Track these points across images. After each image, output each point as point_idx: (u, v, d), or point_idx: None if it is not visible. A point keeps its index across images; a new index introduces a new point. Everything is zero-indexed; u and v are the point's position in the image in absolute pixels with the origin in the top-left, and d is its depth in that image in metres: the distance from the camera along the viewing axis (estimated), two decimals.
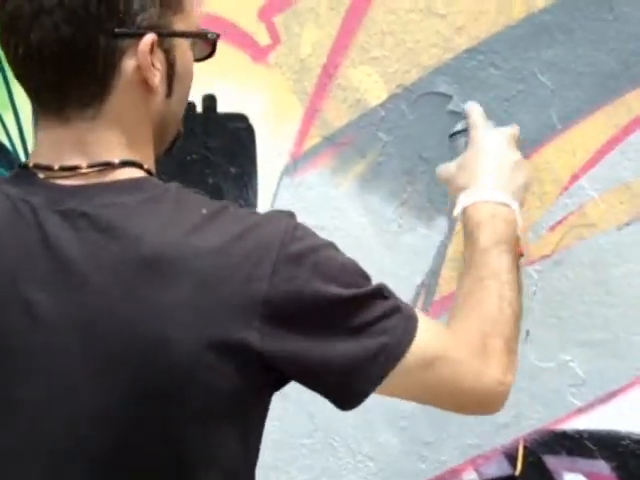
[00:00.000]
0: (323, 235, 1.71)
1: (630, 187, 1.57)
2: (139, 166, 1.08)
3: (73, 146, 1.07)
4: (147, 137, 1.10)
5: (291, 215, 1.09)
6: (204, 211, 1.06)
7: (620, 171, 1.57)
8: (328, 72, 1.67)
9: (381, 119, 1.66)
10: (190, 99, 1.79)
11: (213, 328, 1.02)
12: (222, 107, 1.74)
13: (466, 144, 1.40)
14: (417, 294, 1.68)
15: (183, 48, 1.11)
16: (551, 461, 1.64)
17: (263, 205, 1.73)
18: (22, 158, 1.83)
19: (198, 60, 1.16)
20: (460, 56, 1.61)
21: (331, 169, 1.70)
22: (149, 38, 1.05)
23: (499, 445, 1.66)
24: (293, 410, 1.74)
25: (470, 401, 1.18)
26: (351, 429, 1.73)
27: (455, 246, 1.65)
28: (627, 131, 1.56)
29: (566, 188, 1.59)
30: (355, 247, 1.70)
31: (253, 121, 1.73)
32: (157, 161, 1.14)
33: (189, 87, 1.15)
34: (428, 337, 1.12)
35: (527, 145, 1.55)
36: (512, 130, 1.44)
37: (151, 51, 1.06)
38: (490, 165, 1.34)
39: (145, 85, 1.07)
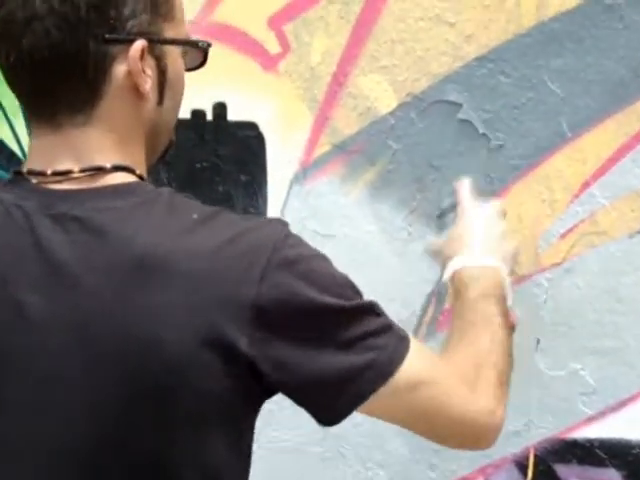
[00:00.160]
0: (333, 243, 1.71)
1: None
2: (131, 171, 1.09)
3: (65, 151, 1.07)
4: (139, 143, 1.11)
5: (284, 224, 1.09)
6: (195, 215, 1.06)
7: (631, 179, 1.57)
8: (338, 80, 1.68)
9: (391, 127, 1.66)
10: (200, 107, 1.81)
11: (203, 330, 1.02)
12: (232, 115, 1.74)
13: (454, 220, 1.41)
14: (427, 302, 1.68)
15: (174, 56, 1.12)
16: (562, 470, 1.64)
17: (273, 213, 1.73)
18: None
19: (190, 69, 1.17)
20: (470, 64, 1.61)
21: (341, 177, 1.71)
22: (139, 44, 1.06)
23: (509, 454, 1.66)
24: (303, 418, 1.74)
25: (460, 431, 1.14)
26: (361, 437, 1.73)
27: None
28: (638, 138, 1.56)
29: (577, 196, 1.59)
30: (365, 255, 1.70)
31: (263, 129, 1.73)
32: (149, 170, 1.14)
33: (181, 95, 1.15)
34: (419, 360, 1.10)
35: (537, 153, 1.55)
36: (498, 204, 1.43)
37: (141, 57, 1.06)
38: (478, 235, 1.34)
39: (136, 91, 1.08)
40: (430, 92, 1.63)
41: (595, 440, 1.61)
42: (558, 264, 1.61)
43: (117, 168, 1.08)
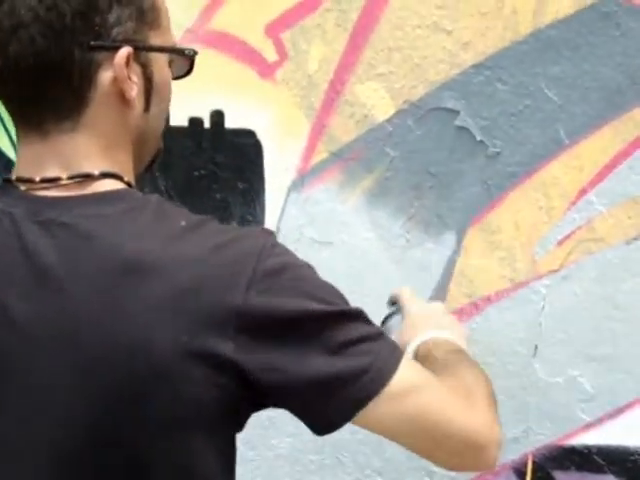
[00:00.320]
0: (330, 250, 1.71)
1: (638, 202, 1.57)
2: (119, 178, 1.09)
3: (53, 159, 1.08)
4: (126, 150, 1.11)
5: (270, 233, 1.09)
6: (183, 223, 1.06)
7: (628, 186, 1.57)
8: (335, 88, 1.68)
9: (388, 134, 1.67)
10: (198, 115, 1.81)
11: (187, 337, 1.02)
12: (230, 123, 1.75)
13: (400, 321, 1.40)
14: None
15: (160, 63, 1.12)
16: (560, 476, 1.64)
17: (270, 220, 1.73)
18: None
19: (177, 78, 1.17)
20: (467, 72, 1.61)
21: (338, 184, 1.71)
22: (125, 51, 1.06)
23: (508, 460, 1.66)
24: (302, 426, 1.74)
25: (460, 445, 1.10)
26: (359, 444, 1.73)
27: (463, 260, 1.66)
28: (635, 145, 1.57)
29: (574, 203, 1.59)
30: (362, 262, 1.70)
31: (261, 137, 1.73)
32: (137, 178, 1.14)
33: (168, 103, 1.15)
34: (413, 368, 1.09)
35: (534, 160, 1.55)
36: (440, 304, 1.41)
37: (127, 64, 1.07)
38: (430, 320, 1.33)
39: (122, 98, 1.08)
40: (427, 99, 1.64)
41: (593, 447, 1.61)
42: (555, 271, 1.61)
43: (105, 175, 1.08)
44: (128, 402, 1.03)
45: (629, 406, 1.60)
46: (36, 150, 1.08)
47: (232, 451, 1.09)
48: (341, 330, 1.06)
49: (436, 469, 1.70)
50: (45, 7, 1.04)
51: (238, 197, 1.75)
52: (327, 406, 1.06)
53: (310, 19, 1.68)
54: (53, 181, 1.07)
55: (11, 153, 1.87)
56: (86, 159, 1.07)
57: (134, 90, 1.08)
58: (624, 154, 1.57)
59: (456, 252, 1.66)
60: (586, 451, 1.62)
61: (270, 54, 1.70)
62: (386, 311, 1.34)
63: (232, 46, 1.71)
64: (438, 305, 1.37)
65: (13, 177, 1.09)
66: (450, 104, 1.63)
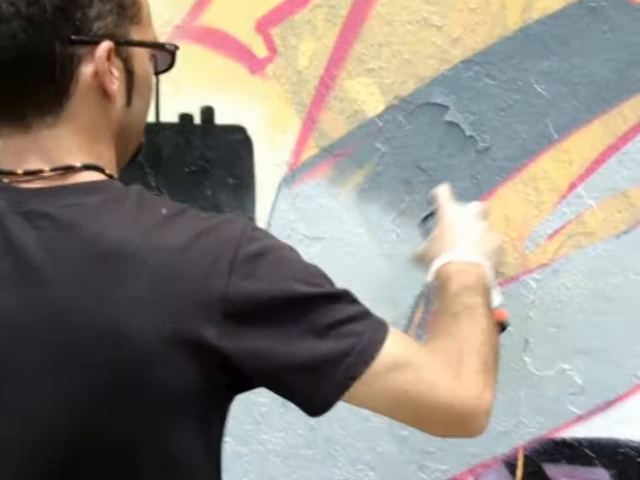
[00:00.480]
0: (321, 246, 1.71)
1: (628, 195, 1.57)
2: (101, 170, 1.10)
3: (35, 152, 1.09)
4: (108, 144, 1.12)
5: (250, 218, 1.10)
6: (164, 211, 1.07)
7: (617, 180, 1.58)
8: (325, 83, 1.68)
9: (378, 130, 1.67)
10: (188, 111, 1.81)
11: (170, 323, 1.03)
12: (220, 119, 1.75)
13: (435, 225, 1.42)
14: (416, 304, 1.69)
15: (141, 58, 1.13)
16: (551, 469, 1.64)
17: (261, 216, 1.73)
18: None
19: (158, 73, 1.17)
20: (456, 67, 1.61)
21: (329, 180, 1.71)
22: (106, 45, 1.08)
23: (499, 454, 1.66)
24: (293, 421, 1.74)
25: (445, 417, 1.13)
26: (351, 439, 1.73)
27: None
28: (624, 140, 1.57)
29: (564, 197, 1.60)
30: (353, 257, 1.71)
31: (251, 133, 1.73)
32: (119, 173, 1.15)
33: (149, 98, 1.16)
34: (399, 345, 1.11)
35: (524, 155, 1.56)
36: (479, 204, 1.44)
37: (108, 58, 1.08)
38: (459, 235, 1.35)
39: (103, 92, 1.09)
40: (417, 95, 1.64)
41: (584, 440, 1.62)
42: (546, 265, 1.62)
43: (87, 167, 1.09)
44: (112, 388, 1.04)
45: (619, 399, 1.60)
46: (18, 143, 1.09)
47: (218, 436, 1.10)
48: (326, 312, 1.07)
49: (429, 463, 1.70)
50: (26, 2, 1.05)
51: (229, 193, 1.75)
52: (313, 388, 1.07)
53: (300, 15, 1.68)
54: (35, 173, 1.08)
55: None
56: (68, 152, 1.08)
57: (115, 84, 1.09)
58: (613, 148, 1.57)
59: None
60: (577, 444, 1.63)
61: (260, 50, 1.70)
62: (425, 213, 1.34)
63: (222, 42, 1.71)
64: (472, 211, 1.39)
65: None
66: (440, 99, 1.63)
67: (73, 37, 1.06)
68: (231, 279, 1.04)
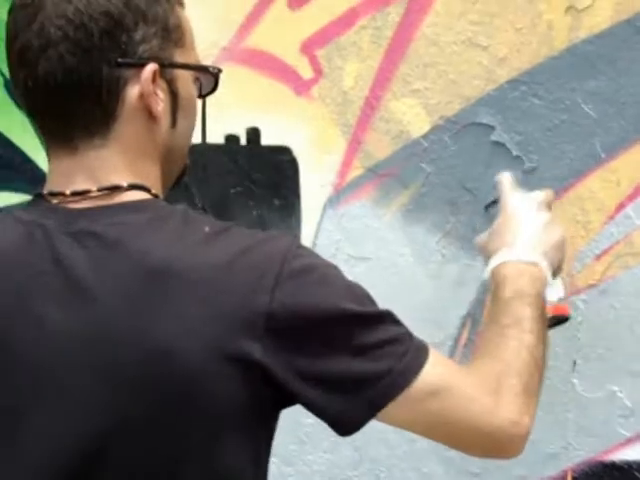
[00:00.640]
0: (366, 266, 1.71)
1: None
2: (147, 190, 1.11)
3: (83, 173, 1.11)
4: (154, 164, 1.14)
5: (295, 236, 1.11)
6: (207, 228, 1.09)
7: None
8: (370, 104, 1.69)
9: (424, 150, 1.67)
10: (234, 132, 1.83)
11: (218, 339, 1.04)
12: (266, 139, 1.76)
13: (498, 212, 1.41)
14: (462, 325, 1.68)
15: (185, 80, 1.15)
16: None
17: (307, 236, 1.74)
18: None
19: (202, 96, 1.19)
20: (502, 87, 1.61)
21: (374, 200, 1.71)
22: (151, 67, 1.09)
23: (547, 476, 1.65)
24: (339, 441, 1.74)
25: (482, 441, 1.13)
26: (396, 460, 1.73)
27: None
28: None
29: (612, 217, 1.59)
30: (399, 278, 1.70)
31: (296, 153, 1.74)
32: (165, 195, 1.16)
33: (194, 120, 1.18)
34: (438, 369, 1.10)
35: (571, 175, 1.55)
36: (542, 194, 1.42)
37: (153, 80, 1.10)
38: (520, 228, 1.34)
39: (149, 113, 1.11)
40: (463, 115, 1.64)
41: (634, 462, 1.60)
42: (593, 285, 1.61)
43: (133, 187, 1.11)
44: (159, 405, 1.04)
45: None
46: (66, 165, 1.11)
47: (265, 453, 1.11)
48: (368, 332, 1.07)
49: None
50: (74, 26, 1.07)
51: (274, 213, 1.76)
52: (347, 407, 1.07)
53: (345, 36, 1.69)
54: (83, 194, 1.10)
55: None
56: (114, 172, 1.10)
57: (160, 105, 1.10)
58: None
59: None
60: (626, 467, 1.61)
61: (305, 71, 1.72)
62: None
63: (267, 63, 1.73)
64: (535, 198, 1.37)
65: (45, 192, 1.12)
66: (486, 119, 1.63)
67: (119, 60, 1.08)
68: (275, 295, 1.05)
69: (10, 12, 1.11)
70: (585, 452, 1.62)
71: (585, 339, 1.60)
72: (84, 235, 1.08)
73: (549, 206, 1.42)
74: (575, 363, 1.60)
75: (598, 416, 1.61)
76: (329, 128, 1.71)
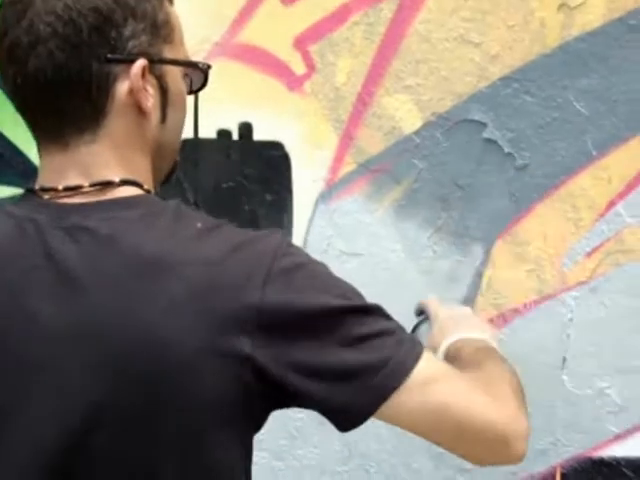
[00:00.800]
0: (358, 262, 1.72)
1: None
2: (139, 185, 1.12)
3: (75, 168, 1.11)
4: (145, 160, 1.14)
5: (284, 234, 1.11)
6: (199, 225, 1.09)
7: None
8: (363, 100, 1.69)
9: (416, 146, 1.67)
10: (226, 127, 1.83)
11: (207, 334, 1.04)
12: (258, 135, 1.76)
13: (428, 328, 1.41)
14: None
15: (174, 76, 1.15)
16: None
17: (298, 231, 1.74)
18: None
19: (192, 92, 1.19)
20: (494, 84, 1.61)
21: (366, 196, 1.72)
22: (140, 63, 1.10)
23: (536, 472, 1.65)
24: (329, 436, 1.74)
25: (485, 438, 1.10)
26: (387, 455, 1.73)
27: (491, 272, 1.66)
28: None
29: (602, 215, 1.59)
30: (390, 273, 1.71)
31: (288, 149, 1.74)
32: (155, 190, 1.17)
33: (184, 116, 1.18)
34: (434, 361, 1.11)
35: (562, 172, 1.55)
36: (467, 308, 1.42)
37: (143, 75, 1.10)
38: (457, 322, 1.33)
39: (139, 109, 1.11)
40: (455, 112, 1.64)
41: (622, 459, 1.61)
42: (584, 283, 1.61)
43: (125, 182, 1.11)
44: (150, 397, 1.05)
45: None
46: (58, 161, 1.11)
47: (248, 450, 1.11)
48: (359, 324, 1.07)
49: (464, 479, 1.70)
50: (63, 22, 1.07)
51: (266, 209, 1.76)
52: (348, 401, 1.07)
53: (338, 32, 1.69)
54: (75, 189, 1.10)
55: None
56: (106, 168, 1.10)
57: (150, 101, 1.11)
58: None
59: (483, 264, 1.66)
60: (615, 463, 1.61)
61: (298, 67, 1.72)
62: (414, 321, 1.35)
63: (260, 59, 1.73)
64: (466, 309, 1.38)
65: (37, 187, 1.12)
66: (478, 116, 1.63)
67: (109, 56, 1.08)
68: (265, 291, 1.05)
69: None
70: (574, 448, 1.63)
71: (575, 336, 1.61)
72: (76, 230, 1.08)
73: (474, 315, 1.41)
74: (565, 360, 1.61)
75: (587, 413, 1.62)
76: (321, 124, 1.71)
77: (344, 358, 1.06)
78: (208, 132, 1.76)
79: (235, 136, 1.76)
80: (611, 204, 1.59)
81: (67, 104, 1.09)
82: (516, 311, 1.65)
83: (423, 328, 1.37)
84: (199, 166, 1.77)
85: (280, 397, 1.09)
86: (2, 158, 1.82)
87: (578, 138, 1.58)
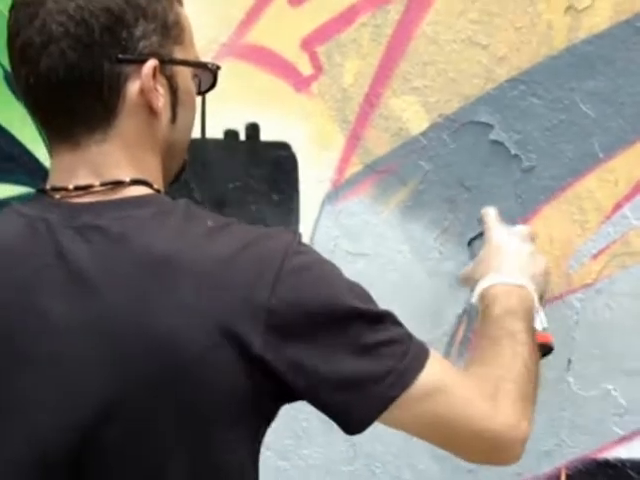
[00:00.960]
0: (364, 262, 1.72)
1: None
2: (149, 185, 1.12)
3: (85, 168, 1.12)
4: (156, 160, 1.15)
5: (296, 232, 1.12)
6: (210, 223, 1.10)
7: None
8: (370, 101, 1.69)
9: (422, 148, 1.67)
10: (233, 127, 1.83)
11: (220, 331, 1.05)
12: (265, 135, 1.76)
13: (482, 246, 1.43)
14: (459, 322, 1.69)
15: (184, 77, 1.16)
16: None
17: (305, 232, 1.74)
18: None
19: (201, 92, 1.20)
20: (501, 86, 1.62)
21: (372, 197, 1.72)
22: (151, 63, 1.11)
23: (541, 474, 1.66)
24: (335, 436, 1.74)
25: (482, 445, 1.14)
26: (392, 456, 1.73)
27: None
28: None
29: (609, 217, 1.59)
30: (397, 275, 1.71)
31: (295, 149, 1.75)
32: (165, 190, 1.17)
33: (193, 115, 1.19)
34: (437, 370, 1.12)
35: (569, 174, 1.56)
36: (525, 227, 1.45)
37: (153, 75, 1.11)
38: (506, 256, 1.36)
39: (149, 109, 1.12)
40: (462, 113, 1.64)
41: (627, 460, 1.61)
42: (590, 285, 1.61)
43: (135, 182, 1.12)
44: (160, 395, 1.05)
45: None
46: (68, 160, 1.12)
47: (256, 447, 1.11)
48: (369, 330, 1.08)
49: None
50: (75, 23, 1.08)
51: (273, 209, 1.76)
52: (351, 406, 1.08)
53: (346, 34, 1.69)
54: (86, 188, 1.11)
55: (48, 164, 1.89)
56: (117, 167, 1.11)
57: (160, 101, 1.12)
58: None
59: None
60: (620, 465, 1.61)
61: (305, 68, 1.72)
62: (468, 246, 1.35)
63: (267, 59, 1.73)
64: (519, 232, 1.40)
65: (48, 187, 1.13)
66: (485, 118, 1.63)
67: (120, 56, 1.09)
68: (275, 290, 1.05)
69: (12, 9, 1.12)
70: (579, 450, 1.63)
71: (580, 338, 1.61)
72: (88, 229, 1.08)
73: (532, 239, 1.44)
74: (570, 361, 1.61)
75: (593, 414, 1.62)
76: (328, 124, 1.72)
77: (351, 366, 1.07)
78: (215, 132, 1.77)
79: (242, 136, 1.77)
80: (617, 206, 1.59)
81: (78, 104, 1.10)
82: None
83: (477, 244, 1.39)
84: (206, 166, 1.77)
85: (288, 395, 1.10)
86: (10, 157, 1.82)
87: (585, 140, 1.58)
